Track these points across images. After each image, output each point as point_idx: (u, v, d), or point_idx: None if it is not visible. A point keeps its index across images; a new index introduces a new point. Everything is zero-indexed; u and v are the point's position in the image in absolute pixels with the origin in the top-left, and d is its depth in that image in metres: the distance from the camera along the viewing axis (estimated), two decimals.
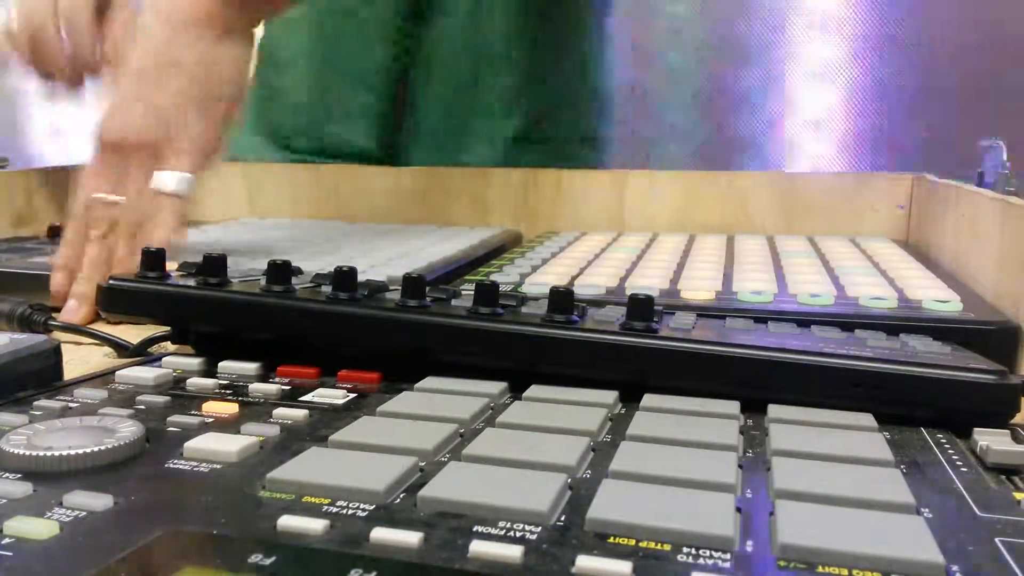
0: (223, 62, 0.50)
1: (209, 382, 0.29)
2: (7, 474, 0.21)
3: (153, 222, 0.47)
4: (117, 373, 0.30)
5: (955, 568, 0.17)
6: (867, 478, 0.21)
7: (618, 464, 0.21)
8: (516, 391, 0.29)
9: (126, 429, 0.23)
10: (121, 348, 0.38)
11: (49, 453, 0.21)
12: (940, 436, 0.26)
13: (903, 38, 1.22)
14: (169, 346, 0.37)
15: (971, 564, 0.17)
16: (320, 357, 0.31)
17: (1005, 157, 0.64)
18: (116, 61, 0.56)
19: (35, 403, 0.27)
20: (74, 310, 0.45)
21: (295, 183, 0.76)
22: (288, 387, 0.29)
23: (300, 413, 0.26)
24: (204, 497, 0.20)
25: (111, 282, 0.34)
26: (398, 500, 0.20)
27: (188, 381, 0.30)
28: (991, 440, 0.24)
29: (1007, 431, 0.25)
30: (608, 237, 0.62)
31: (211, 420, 0.26)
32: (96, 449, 0.22)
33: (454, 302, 0.32)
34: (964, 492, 0.21)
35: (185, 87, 0.48)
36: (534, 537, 0.18)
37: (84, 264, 0.47)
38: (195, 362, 0.32)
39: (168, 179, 0.48)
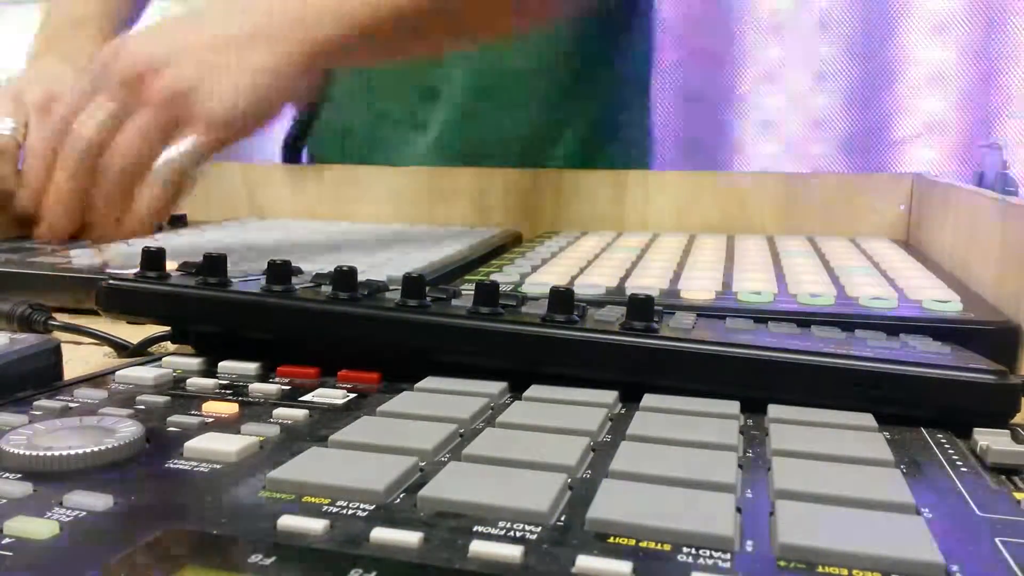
0: (287, 72, 0.44)
1: (209, 382, 0.29)
2: (7, 474, 0.21)
3: (138, 195, 0.42)
4: (117, 373, 0.30)
5: (955, 568, 0.17)
6: (867, 478, 0.21)
7: (618, 464, 0.21)
8: (516, 391, 0.29)
9: (126, 429, 0.23)
10: (121, 348, 0.38)
11: (49, 453, 0.21)
12: (940, 436, 0.26)
13: (903, 37, 1.22)
14: (169, 346, 0.37)
15: (971, 564, 0.17)
16: (320, 357, 0.31)
17: (1005, 157, 0.64)
18: None
19: (35, 403, 0.27)
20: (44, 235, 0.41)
21: (295, 183, 0.76)
22: (288, 387, 0.29)
23: (300, 413, 0.26)
24: (204, 497, 0.20)
25: (111, 282, 0.34)
26: (398, 500, 0.20)
27: (188, 381, 0.30)
28: (991, 440, 0.24)
29: (1007, 431, 0.25)
30: (608, 237, 0.62)
31: (211, 420, 0.26)
32: (96, 449, 0.22)
33: (454, 302, 0.32)
34: (964, 492, 0.21)
35: (248, 20, 0.43)
36: (534, 537, 0.18)
37: (48, 196, 0.41)
38: (195, 362, 0.32)
39: (174, 153, 0.42)
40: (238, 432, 0.24)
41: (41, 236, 0.42)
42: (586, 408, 0.26)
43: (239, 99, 0.43)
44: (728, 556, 0.17)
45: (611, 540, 0.18)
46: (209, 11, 0.46)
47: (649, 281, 0.44)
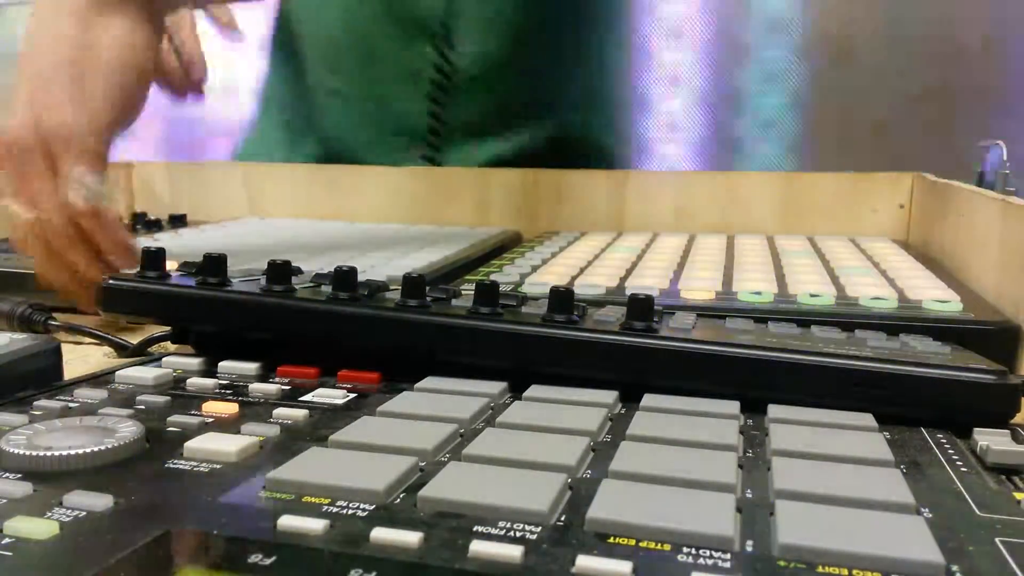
0: (109, 41, 0.43)
1: (209, 382, 0.29)
2: (7, 474, 0.21)
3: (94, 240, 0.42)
4: (117, 373, 0.30)
5: (955, 568, 0.17)
6: (867, 478, 0.21)
7: (618, 464, 0.21)
8: (516, 391, 0.29)
9: (126, 429, 0.23)
10: (121, 348, 0.38)
11: (49, 453, 0.21)
12: (940, 436, 0.26)
13: (904, 36, 1.22)
14: (169, 346, 0.37)
15: (971, 564, 0.17)
16: (320, 357, 0.31)
17: (1005, 157, 0.64)
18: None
19: (35, 403, 0.27)
20: None
21: (295, 183, 0.76)
22: (288, 387, 0.29)
23: (300, 413, 0.26)
24: (204, 497, 0.20)
25: (111, 282, 0.34)
26: (398, 500, 0.20)
27: (188, 381, 0.30)
28: (991, 440, 0.24)
29: (1007, 431, 0.25)
30: (608, 237, 0.62)
31: (211, 420, 0.26)
32: (96, 449, 0.22)
33: (454, 302, 0.32)
34: (964, 492, 0.21)
35: (65, 68, 0.42)
36: (534, 537, 0.18)
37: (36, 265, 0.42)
38: (195, 362, 0.32)
39: (76, 188, 0.41)
40: (238, 432, 0.24)
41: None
42: (586, 408, 0.26)
43: (85, 119, 0.43)
44: (728, 556, 0.17)
45: (611, 540, 0.18)
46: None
47: (649, 281, 0.44)
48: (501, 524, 0.19)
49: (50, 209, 0.42)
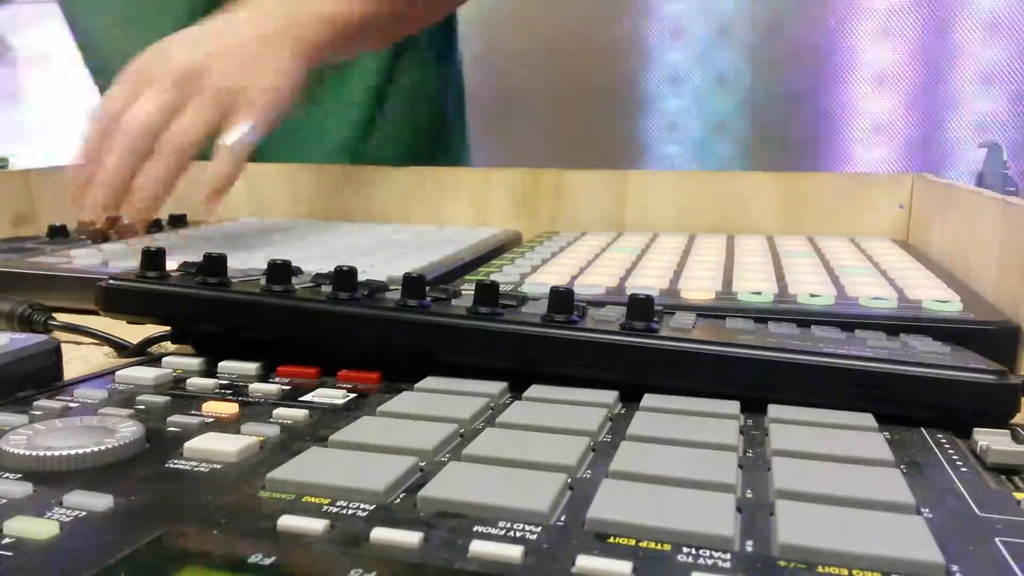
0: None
1: (209, 382, 0.29)
2: (7, 474, 0.21)
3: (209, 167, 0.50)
4: (117, 373, 0.30)
5: (955, 568, 0.17)
6: (867, 478, 0.21)
7: (618, 464, 0.21)
8: (516, 391, 0.29)
9: (126, 429, 0.23)
10: (121, 348, 0.38)
11: (49, 453, 0.21)
12: (940, 436, 0.26)
13: (904, 36, 1.22)
14: (169, 346, 0.37)
15: (971, 564, 0.17)
16: (320, 357, 0.31)
17: (1005, 157, 0.64)
18: None
19: (35, 403, 0.27)
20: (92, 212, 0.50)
21: (295, 183, 0.76)
22: (288, 387, 0.29)
23: (300, 413, 0.26)
24: (204, 497, 0.20)
25: (111, 282, 0.34)
26: (398, 500, 0.20)
27: (188, 381, 0.30)
28: (991, 440, 0.24)
29: (1007, 431, 0.25)
30: (608, 237, 0.62)
31: (211, 420, 0.26)
32: (96, 449, 0.22)
33: (454, 302, 0.32)
34: (964, 492, 0.21)
35: (268, 24, 0.52)
36: (534, 537, 0.18)
37: (97, 176, 0.48)
38: (195, 362, 0.32)
39: (235, 134, 0.50)
40: (238, 432, 0.24)
41: (84, 217, 0.51)
42: (586, 408, 0.26)
43: (274, 91, 0.52)
44: (728, 556, 0.17)
45: (611, 540, 0.18)
46: (235, 18, 0.55)
47: (649, 281, 0.44)
48: (501, 524, 0.19)
49: (187, 132, 0.50)
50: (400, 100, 0.81)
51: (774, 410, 0.26)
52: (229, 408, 0.27)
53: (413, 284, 0.31)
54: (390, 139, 0.81)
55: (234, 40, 0.53)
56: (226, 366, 0.32)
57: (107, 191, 0.50)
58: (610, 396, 0.27)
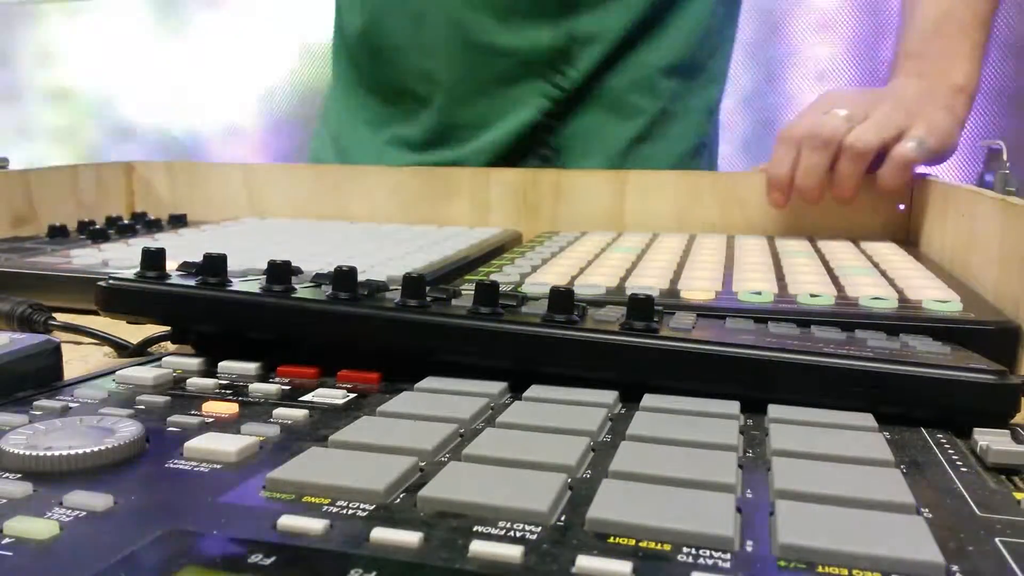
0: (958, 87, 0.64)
1: (209, 382, 0.29)
2: (7, 474, 0.21)
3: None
4: (117, 373, 0.30)
5: (955, 568, 0.17)
6: (867, 478, 0.21)
7: (618, 464, 0.21)
8: (516, 391, 0.29)
9: (126, 429, 0.23)
10: (121, 348, 0.38)
11: (49, 453, 0.21)
12: (940, 436, 0.26)
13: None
14: (169, 346, 0.37)
15: (971, 564, 0.17)
16: (320, 357, 0.31)
17: (1005, 157, 0.64)
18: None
19: (35, 403, 0.27)
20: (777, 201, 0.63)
21: (295, 183, 0.76)
22: (288, 387, 0.29)
23: (300, 413, 0.26)
24: (204, 497, 0.20)
25: (111, 282, 0.34)
26: (398, 500, 0.20)
27: (188, 381, 0.30)
28: (991, 440, 0.24)
29: (1007, 431, 0.25)
30: (608, 237, 0.62)
31: (211, 420, 0.26)
32: (96, 449, 0.22)
33: (454, 302, 0.32)
34: (964, 492, 0.21)
35: (927, 90, 0.63)
36: (534, 537, 0.18)
37: (797, 171, 0.60)
38: (195, 362, 0.32)
39: (911, 144, 0.60)
40: (238, 432, 0.24)
41: (777, 201, 0.64)
42: (586, 408, 0.26)
43: (943, 133, 0.61)
44: (728, 556, 0.17)
45: (611, 540, 0.18)
46: (912, 88, 0.64)
47: (649, 281, 0.44)
48: (501, 524, 0.19)
49: (836, 128, 0.61)
50: None
51: (774, 410, 0.26)
52: (229, 408, 0.27)
53: (413, 284, 0.31)
54: None
55: (900, 92, 0.64)
56: (226, 366, 0.32)
57: (809, 185, 0.61)
58: (610, 396, 0.27)
